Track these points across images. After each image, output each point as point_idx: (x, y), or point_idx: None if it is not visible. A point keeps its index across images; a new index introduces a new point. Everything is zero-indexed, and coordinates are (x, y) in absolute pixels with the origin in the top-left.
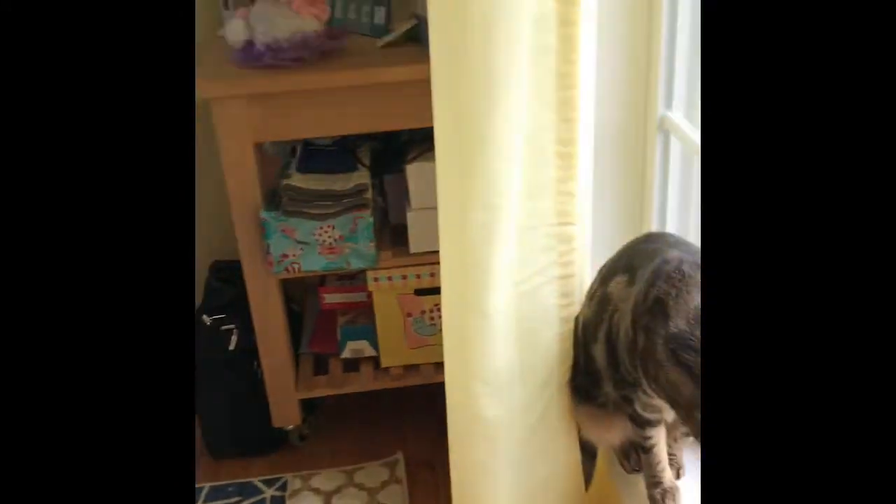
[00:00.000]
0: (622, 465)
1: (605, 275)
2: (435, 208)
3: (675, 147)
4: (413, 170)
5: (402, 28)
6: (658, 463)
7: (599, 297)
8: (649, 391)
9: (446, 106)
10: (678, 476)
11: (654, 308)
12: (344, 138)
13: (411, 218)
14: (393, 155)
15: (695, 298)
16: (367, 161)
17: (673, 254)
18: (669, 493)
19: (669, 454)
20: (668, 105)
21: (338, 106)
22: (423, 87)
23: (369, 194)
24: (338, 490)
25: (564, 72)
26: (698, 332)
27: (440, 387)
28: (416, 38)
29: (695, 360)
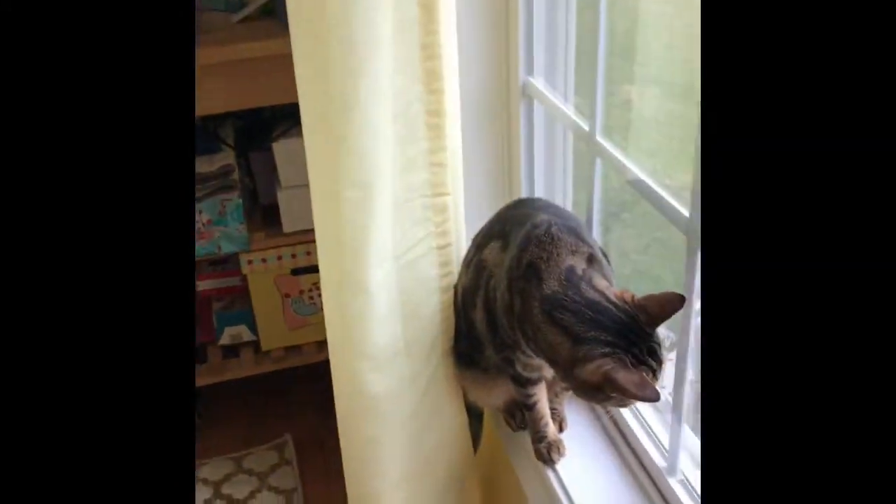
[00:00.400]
0: (508, 423)
1: (480, 242)
2: (306, 185)
3: (539, 112)
4: (280, 147)
5: (257, 2)
6: (541, 418)
7: (475, 264)
8: (528, 351)
9: (311, 82)
10: (561, 429)
11: (528, 272)
12: (204, 118)
13: (282, 197)
14: (258, 132)
15: (565, 260)
16: (230, 140)
17: (542, 217)
18: (554, 445)
19: (551, 409)
20: (530, 71)
21: (196, 85)
22: (283, 62)
23: (236, 175)
24: (226, 478)
25: (427, 42)
26: (571, 292)
27: (324, 365)
28: (273, 11)
29: (569, 319)
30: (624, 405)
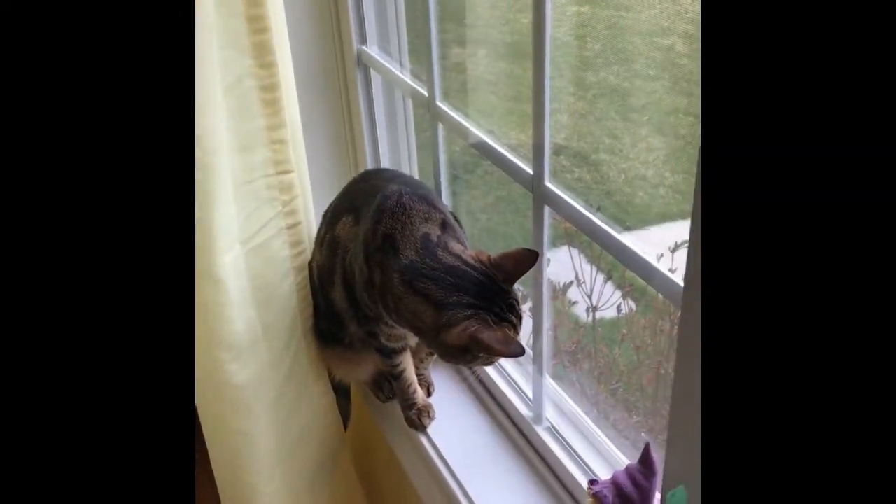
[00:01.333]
0: (377, 396)
1: (331, 218)
2: None
3: (377, 81)
4: None
5: None
6: (409, 386)
7: (329, 241)
8: (392, 322)
9: None
10: (429, 393)
11: (384, 244)
12: None
13: None
14: None
15: (419, 228)
16: None
17: (392, 188)
18: (423, 411)
19: (418, 375)
20: (363, 40)
21: None
22: None
23: None
24: None
25: (254, 15)
26: (428, 260)
27: None
28: None
29: (429, 286)
30: (490, 363)
